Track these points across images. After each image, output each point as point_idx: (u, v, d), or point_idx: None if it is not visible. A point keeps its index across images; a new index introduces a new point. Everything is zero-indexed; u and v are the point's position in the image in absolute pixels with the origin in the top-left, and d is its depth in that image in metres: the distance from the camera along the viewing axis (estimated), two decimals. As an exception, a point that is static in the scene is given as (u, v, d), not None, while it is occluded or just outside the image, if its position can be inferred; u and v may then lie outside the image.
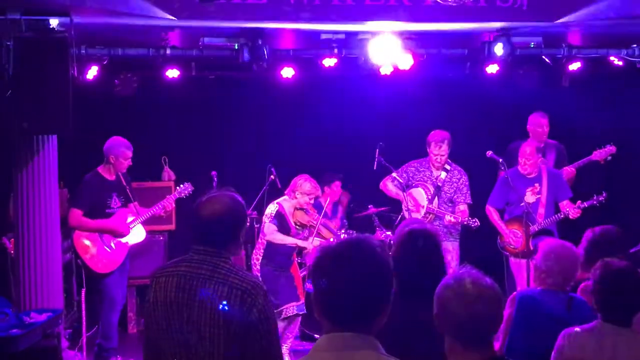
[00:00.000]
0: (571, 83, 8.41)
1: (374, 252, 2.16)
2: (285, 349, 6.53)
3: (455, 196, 7.10)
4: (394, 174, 7.08)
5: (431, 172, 7.11)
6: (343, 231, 7.49)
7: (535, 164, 7.04)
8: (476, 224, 6.85)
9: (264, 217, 6.61)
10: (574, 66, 7.96)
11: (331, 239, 6.71)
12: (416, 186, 7.09)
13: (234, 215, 3.02)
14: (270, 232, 6.46)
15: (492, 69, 7.98)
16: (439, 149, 7.03)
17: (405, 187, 7.04)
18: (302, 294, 6.54)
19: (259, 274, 6.46)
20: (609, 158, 7.45)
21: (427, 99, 9.01)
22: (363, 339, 2.11)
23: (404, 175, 7.14)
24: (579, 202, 6.88)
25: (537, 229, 6.91)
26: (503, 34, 7.08)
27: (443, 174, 7.10)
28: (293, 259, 6.63)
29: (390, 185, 7.19)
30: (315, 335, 7.15)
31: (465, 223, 6.87)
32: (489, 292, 2.43)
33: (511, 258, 7.10)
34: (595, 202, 6.89)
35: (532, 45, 7.56)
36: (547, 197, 7.01)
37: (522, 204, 6.91)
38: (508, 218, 7.12)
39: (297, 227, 6.58)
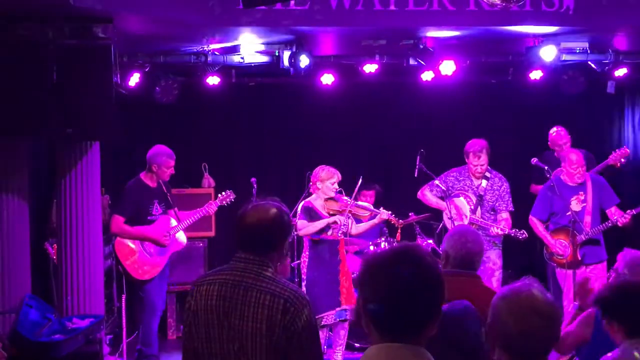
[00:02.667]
0: (617, 90, 8.23)
1: (423, 260, 2.09)
2: (339, 357, 6.48)
3: (497, 204, 6.94)
4: (436, 182, 6.93)
5: (472, 181, 6.95)
6: (384, 239, 7.40)
7: (583, 172, 6.85)
8: (524, 235, 6.66)
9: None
10: (620, 72, 7.80)
11: (366, 214, 6.57)
12: (457, 195, 6.95)
13: (279, 225, 3.00)
14: (301, 227, 6.37)
15: (536, 75, 7.86)
16: (478, 159, 6.87)
17: (447, 195, 6.90)
18: (346, 300, 6.40)
19: (304, 277, 6.43)
20: (623, 161, 7.23)
21: (469, 106, 8.92)
22: (412, 350, 2.05)
23: (443, 184, 6.99)
24: (629, 210, 6.67)
25: (584, 239, 6.72)
26: (548, 39, 6.96)
27: (484, 182, 6.94)
28: (341, 258, 6.48)
29: (429, 195, 7.05)
30: (356, 345, 7.07)
31: (512, 235, 6.70)
32: (546, 309, 2.31)
33: (557, 269, 6.93)
34: None
35: (577, 51, 7.43)
36: (592, 205, 6.81)
37: (568, 213, 6.73)
38: (553, 228, 6.93)
39: (331, 216, 6.48)
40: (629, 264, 3.82)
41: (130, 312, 6.69)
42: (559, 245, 6.77)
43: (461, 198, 6.92)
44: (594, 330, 3.79)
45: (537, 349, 2.31)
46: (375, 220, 6.59)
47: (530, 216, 7.02)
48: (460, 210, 6.88)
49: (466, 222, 6.79)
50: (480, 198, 6.89)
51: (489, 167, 6.97)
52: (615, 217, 6.68)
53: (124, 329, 6.59)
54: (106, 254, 6.69)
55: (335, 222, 6.36)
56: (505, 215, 6.89)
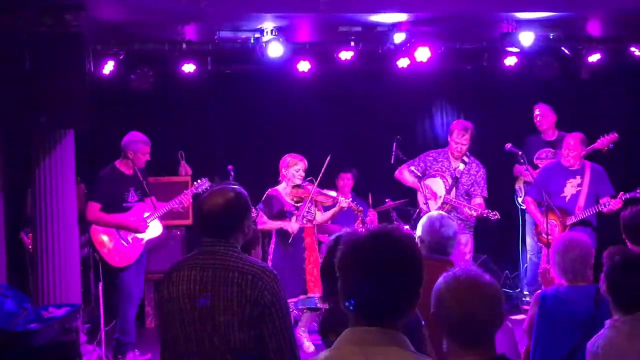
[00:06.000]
0: (591, 75, 8.30)
1: (401, 244, 2.08)
2: (305, 340, 6.52)
3: (472, 189, 7.02)
4: (412, 168, 7.00)
5: (449, 162, 7.04)
6: (360, 225, 7.44)
7: (579, 155, 6.95)
8: (496, 216, 6.76)
9: None
10: (594, 58, 7.87)
11: (328, 201, 6.59)
12: (434, 176, 7.02)
13: (236, 207, 3.08)
14: (259, 221, 6.41)
15: (511, 61, 7.92)
16: (461, 137, 6.95)
17: (422, 176, 6.97)
18: (312, 288, 6.44)
19: (270, 264, 6.47)
20: (611, 146, 7.32)
21: (445, 92, 8.95)
22: (389, 334, 2.05)
23: (421, 164, 7.07)
24: (622, 193, 6.72)
25: (574, 220, 6.87)
26: (522, 25, 7.00)
27: (461, 166, 7.03)
28: (306, 246, 6.52)
29: (406, 174, 7.13)
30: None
31: (485, 216, 6.78)
32: (485, 290, 2.32)
33: (544, 249, 7.03)
34: (638, 195, 6.66)
35: (551, 37, 7.48)
36: (588, 190, 6.92)
37: (562, 195, 6.93)
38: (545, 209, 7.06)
39: (295, 203, 6.50)
40: (555, 249, 3.97)
41: (107, 301, 6.67)
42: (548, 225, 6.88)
43: (437, 178, 6.98)
44: (538, 310, 3.88)
45: (480, 332, 2.30)
46: (336, 209, 6.63)
47: (526, 196, 7.24)
48: (434, 190, 6.94)
49: (440, 202, 6.86)
50: (456, 180, 6.98)
51: (467, 153, 7.04)
52: (605, 203, 6.77)
53: (102, 318, 6.56)
54: (82, 242, 6.66)
55: (282, 228, 6.43)
56: (478, 200, 6.97)
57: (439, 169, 7.02)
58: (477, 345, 2.30)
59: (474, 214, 6.78)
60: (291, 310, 6.35)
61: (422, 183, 6.92)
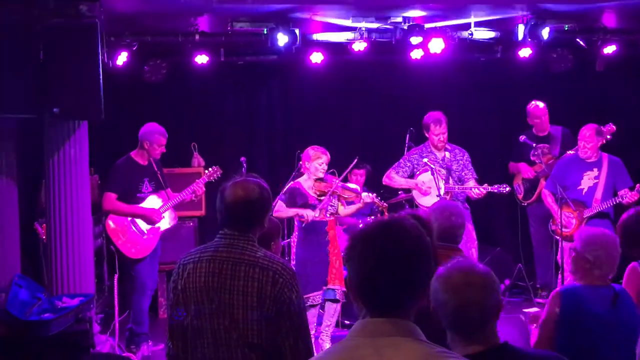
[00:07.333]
0: (606, 67, 8.23)
1: (407, 233, 2.04)
2: (326, 335, 6.49)
3: (463, 173, 7.07)
4: (400, 171, 7.05)
5: (435, 155, 7.06)
6: (373, 218, 7.42)
7: (595, 147, 6.91)
8: (507, 189, 6.78)
9: None
10: (609, 49, 7.80)
11: (351, 195, 6.57)
12: (426, 170, 7.03)
13: (259, 200, 3.06)
14: (277, 208, 6.39)
15: (525, 52, 7.86)
16: (439, 127, 6.98)
17: (411, 175, 7.06)
18: (336, 280, 6.43)
19: (294, 257, 6.46)
20: (609, 137, 7.24)
21: (459, 84, 8.91)
22: (399, 324, 2.00)
23: (408, 164, 7.12)
24: (638, 185, 6.67)
25: (591, 213, 6.84)
26: (536, 16, 6.94)
27: (447, 154, 7.08)
28: (329, 239, 6.48)
29: (396, 177, 7.15)
30: (346, 322, 7.10)
31: (496, 191, 6.78)
32: (478, 280, 2.37)
33: (564, 242, 7.01)
34: None
35: (566, 28, 7.42)
36: (605, 182, 6.88)
37: (579, 188, 6.90)
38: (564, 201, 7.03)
39: (318, 197, 6.48)
40: (584, 241, 3.84)
41: (121, 291, 6.71)
42: (564, 217, 6.84)
43: (429, 172, 6.98)
44: (561, 306, 3.79)
45: (478, 322, 2.35)
46: (360, 204, 6.61)
47: (543, 189, 7.24)
48: (436, 183, 6.92)
49: (442, 192, 6.84)
50: (448, 169, 6.99)
51: (447, 142, 7.06)
52: (623, 196, 6.73)
53: (116, 308, 6.60)
54: (96, 233, 6.69)
55: (301, 216, 6.36)
56: (472, 183, 7.01)
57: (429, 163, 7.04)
58: (477, 334, 2.35)
59: (484, 191, 6.79)
60: (316, 303, 6.33)
61: (418, 175, 6.99)
